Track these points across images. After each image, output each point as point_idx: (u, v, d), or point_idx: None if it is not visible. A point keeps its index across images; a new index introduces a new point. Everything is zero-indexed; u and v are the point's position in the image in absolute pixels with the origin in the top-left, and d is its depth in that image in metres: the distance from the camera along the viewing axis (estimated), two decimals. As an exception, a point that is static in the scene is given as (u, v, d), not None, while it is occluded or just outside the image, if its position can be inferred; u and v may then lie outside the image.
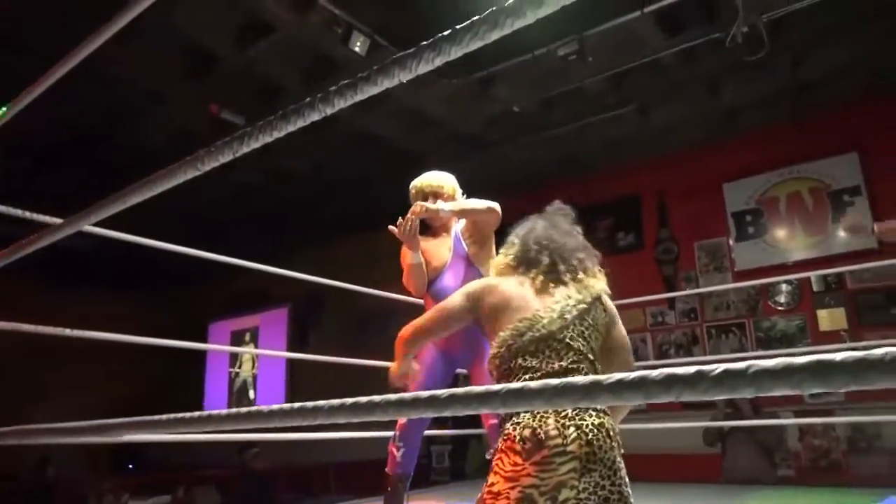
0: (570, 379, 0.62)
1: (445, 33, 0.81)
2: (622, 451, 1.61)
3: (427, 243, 2.77)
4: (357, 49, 4.23)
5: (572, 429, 1.53)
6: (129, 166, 6.40)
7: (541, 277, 1.79)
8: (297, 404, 0.85)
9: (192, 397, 10.11)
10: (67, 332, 2.76)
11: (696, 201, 6.41)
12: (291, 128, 1.00)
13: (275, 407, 0.88)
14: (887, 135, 5.37)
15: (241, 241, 8.14)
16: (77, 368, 8.65)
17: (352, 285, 3.93)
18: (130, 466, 9.59)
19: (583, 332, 1.71)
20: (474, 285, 1.89)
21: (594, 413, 1.58)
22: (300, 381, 8.93)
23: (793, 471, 5.33)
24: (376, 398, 0.78)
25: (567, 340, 1.67)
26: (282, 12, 4.09)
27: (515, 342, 1.67)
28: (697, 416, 5.46)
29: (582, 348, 1.68)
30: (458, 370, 2.79)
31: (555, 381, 0.63)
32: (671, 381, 0.56)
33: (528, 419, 1.57)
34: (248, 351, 9.96)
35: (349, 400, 0.80)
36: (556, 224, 1.94)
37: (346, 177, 6.86)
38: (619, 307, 5.94)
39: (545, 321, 1.68)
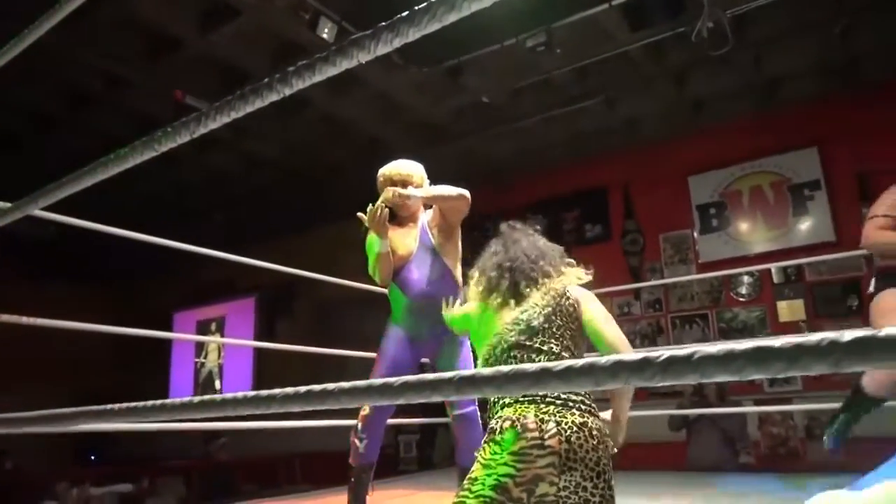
0: (521, 366, 0.62)
1: (403, 14, 0.81)
2: (612, 451, 1.61)
3: (394, 232, 2.76)
4: (325, 35, 4.18)
5: (552, 424, 1.54)
6: (90, 152, 6.28)
7: (500, 299, 1.83)
8: (251, 392, 0.84)
9: (157, 388, 9.96)
10: (24, 319, 2.69)
11: (661, 193, 6.49)
12: (250, 108, 0.99)
13: (228, 395, 0.87)
14: (846, 130, 5.49)
15: (206, 229, 8.02)
16: (36, 360, 8.43)
17: (318, 275, 3.89)
18: (93, 458, 9.43)
19: (554, 334, 1.71)
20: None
21: (577, 412, 1.58)
22: (267, 372, 8.86)
23: (753, 458, 5.46)
24: (330, 386, 0.77)
25: (538, 346, 1.69)
26: (247, -4, 4.02)
27: (492, 356, 1.74)
28: (664, 404, 5.57)
29: (555, 349, 1.69)
30: (423, 360, 2.79)
31: (505, 368, 0.63)
32: (618, 368, 0.57)
33: (510, 412, 1.60)
34: (212, 340, 9.83)
35: (302, 388, 0.79)
36: (513, 240, 1.93)
37: (314, 165, 6.80)
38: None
39: (514, 332, 1.72)
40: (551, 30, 4.47)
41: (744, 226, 6.14)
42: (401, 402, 0.75)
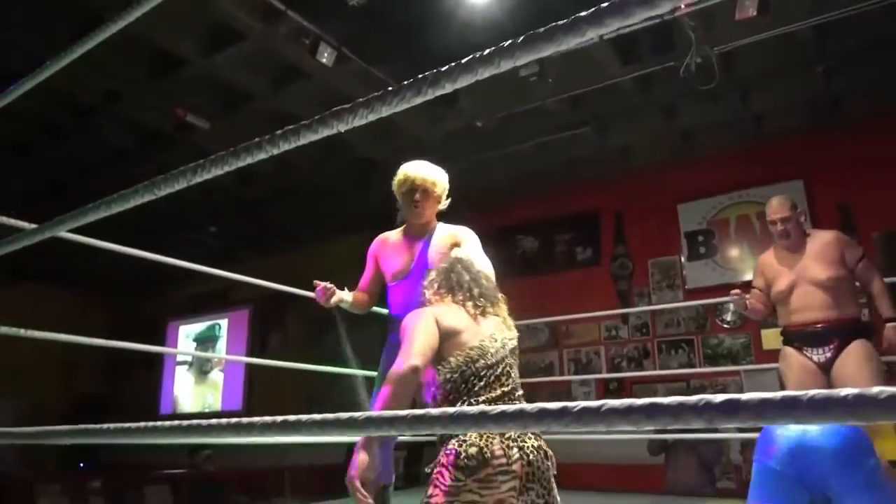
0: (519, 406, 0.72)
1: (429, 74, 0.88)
2: (555, 471, 1.77)
3: (393, 241, 2.67)
4: (324, 60, 4.31)
5: (515, 449, 1.66)
6: (89, 165, 6.40)
7: (470, 304, 1.93)
8: (233, 420, 0.94)
9: (148, 392, 10.02)
10: (22, 332, 2.76)
11: (651, 220, 6.62)
12: (241, 163, 1.09)
13: (213, 421, 0.97)
14: (830, 164, 5.64)
15: (202, 241, 8.12)
16: (32, 362, 8.46)
17: (310, 293, 3.97)
18: (82, 465, 9.45)
19: (514, 363, 1.90)
20: (429, 308, 1.92)
21: (533, 436, 1.73)
22: (259, 382, 8.93)
23: (734, 483, 5.54)
24: (304, 417, 0.87)
25: (507, 369, 1.84)
26: (251, 22, 4.15)
27: (469, 368, 1.78)
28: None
29: (514, 376, 1.87)
30: None
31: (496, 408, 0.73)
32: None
33: (475, 438, 1.66)
34: (202, 354, 9.89)
35: (279, 418, 0.89)
36: (469, 261, 2.10)
37: (308, 182, 6.91)
38: (575, 321, 6.01)
39: (492, 350, 1.83)
40: (544, 60, 4.60)
41: (731, 254, 6.26)
42: (364, 434, 0.85)
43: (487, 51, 0.81)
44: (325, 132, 0.97)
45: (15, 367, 8.25)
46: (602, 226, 6.96)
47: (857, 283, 3.09)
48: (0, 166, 6.34)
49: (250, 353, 8.99)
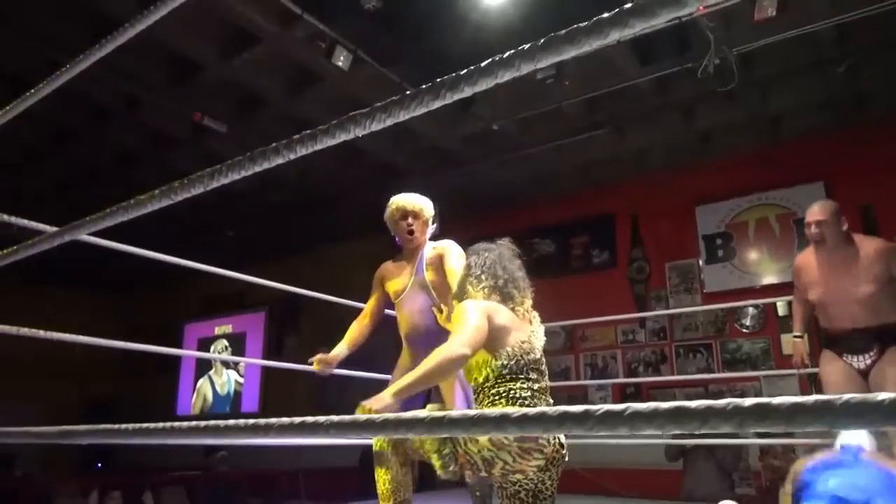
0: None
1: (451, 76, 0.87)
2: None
3: (393, 265, 2.95)
4: (340, 64, 4.32)
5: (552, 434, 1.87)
6: (106, 168, 6.46)
7: (520, 310, 2.13)
8: (250, 421, 0.94)
9: (165, 393, 10.08)
10: (23, 331, 2.70)
11: (668, 223, 6.56)
12: (258, 168, 1.09)
13: (231, 422, 0.97)
14: (851, 165, 5.56)
15: (218, 244, 8.17)
16: (48, 363, 8.56)
17: (323, 295, 3.98)
18: (99, 466, 9.53)
19: (544, 360, 2.10)
20: (483, 304, 2.07)
21: None
22: (274, 384, 8.96)
23: (753, 489, 5.46)
24: (321, 419, 0.86)
25: (542, 367, 2.08)
26: (267, 25, 4.17)
27: (522, 359, 2.00)
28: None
29: (546, 372, 2.07)
30: None
31: (533, 410, 0.72)
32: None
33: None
34: (219, 357, 9.94)
35: (297, 419, 0.88)
36: (510, 258, 2.22)
37: (327, 186, 6.93)
38: (591, 324, 5.96)
39: (537, 347, 2.07)
40: (561, 62, 4.58)
41: (749, 257, 6.18)
42: (384, 436, 0.84)
43: (507, 53, 0.81)
44: (342, 137, 0.97)
45: (34, 369, 8.36)
46: (618, 229, 6.91)
47: None
48: (10, 169, 6.42)
49: (267, 356, 9.03)
